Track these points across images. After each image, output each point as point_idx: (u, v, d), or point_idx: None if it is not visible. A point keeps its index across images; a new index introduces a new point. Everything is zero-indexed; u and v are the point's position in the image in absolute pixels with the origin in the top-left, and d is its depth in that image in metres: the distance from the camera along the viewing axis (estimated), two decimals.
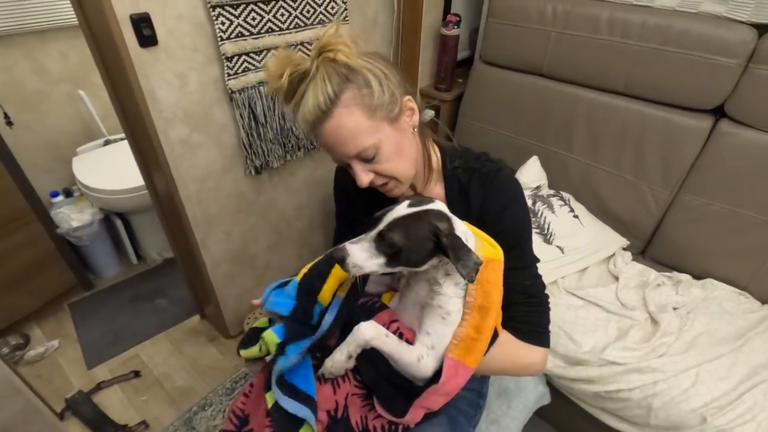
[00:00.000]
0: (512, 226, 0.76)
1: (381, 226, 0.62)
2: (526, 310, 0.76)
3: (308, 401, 0.67)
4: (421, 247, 0.62)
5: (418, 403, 0.67)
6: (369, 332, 0.66)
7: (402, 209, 0.63)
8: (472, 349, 0.66)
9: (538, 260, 0.81)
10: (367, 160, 0.71)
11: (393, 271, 0.66)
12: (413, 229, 0.61)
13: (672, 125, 1.34)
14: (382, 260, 0.62)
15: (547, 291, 0.81)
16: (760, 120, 1.21)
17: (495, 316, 0.68)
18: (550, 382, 1.20)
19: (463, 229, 0.66)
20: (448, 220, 0.64)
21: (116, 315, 1.87)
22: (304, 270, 0.76)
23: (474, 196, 0.78)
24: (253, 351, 0.74)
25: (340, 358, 0.68)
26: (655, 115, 1.37)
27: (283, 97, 0.71)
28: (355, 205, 0.91)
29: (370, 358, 0.69)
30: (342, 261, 0.62)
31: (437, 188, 0.84)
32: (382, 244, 0.61)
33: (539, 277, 0.80)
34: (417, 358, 0.66)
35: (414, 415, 0.68)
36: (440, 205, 0.65)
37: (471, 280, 0.60)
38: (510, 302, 0.73)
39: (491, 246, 0.69)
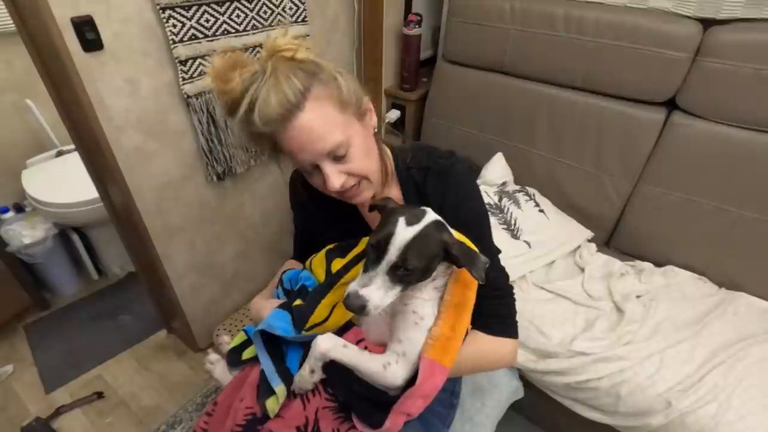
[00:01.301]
0: (472, 220, 0.76)
1: (392, 256, 0.58)
2: (492, 303, 0.76)
3: (285, 374, 0.69)
4: (434, 263, 0.62)
5: (397, 408, 0.65)
6: (325, 344, 0.65)
7: (404, 230, 0.59)
8: (448, 349, 0.65)
9: (499, 251, 0.81)
10: (339, 158, 0.66)
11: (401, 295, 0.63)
12: (426, 249, 0.59)
13: (628, 118, 1.38)
14: (398, 289, 0.60)
15: (512, 282, 0.81)
16: (709, 111, 1.26)
17: (469, 313, 0.69)
18: (523, 376, 1.21)
19: (452, 230, 0.66)
20: (446, 228, 0.64)
21: (76, 335, 1.78)
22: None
23: (432, 195, 0.77)
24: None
25: (303, 374, 0.67)
26: (612, 109, 1.40)
27: (229, 103, 0.64)
28: (315, 218, 0.88)
29: (343, 378, 0.68)
30: (361, 308, 0.58)
31: (394, 190, 0.82)
32: (397, 273, 0.59)
33: (503, 269, 0.80)
34: (383, 365, 0.65)
35: (394, 422, 0.65)
36: (433, 214, 0.64)
37: (483, 280, 0.60)
38: (476, 297, 0.72)
39: (467, 244, 0.69)
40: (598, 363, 1.11)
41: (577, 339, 1.15)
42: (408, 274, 0.59)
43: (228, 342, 0.89)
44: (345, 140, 0.65)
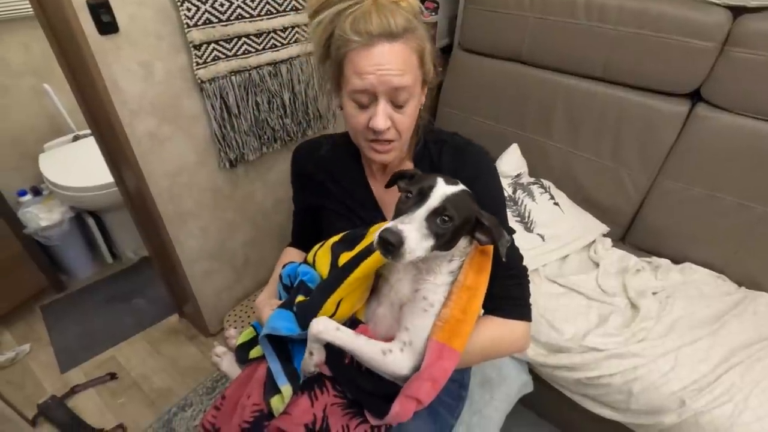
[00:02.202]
0: (486, 196, 0.72)
1: (434, 202, 0.57)
2: (505, 284, 0.74)
3: (292, 375, 0.69)
4: (467, 226, 0.62)
5: (404, 392, 0.64)
6: (317, 326, 0.65)
7: (445, 186, 0.60)
8: (458, 332, 0.64)
9: (513, 231, 0.79)
10: (396, 104, 0.68)
11: (428, 255, 0.60)
12: (463, 207, 0.59)
13: (650, 110, 1.34)
14: (431, 243, 0.57)
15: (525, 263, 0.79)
16: (736, 103, 1.22)
17: (481, 298, 0.67)
18: (533, 370, 1.20)
19: None
20: (475, 201, 0.64)
21: (91, 316, 1.81)
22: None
23: (445, 169, 0.76)
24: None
25: (305, 357, 0.68)
26: (633, 100, 1.36)
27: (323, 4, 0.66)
28: (319, 188, 0.86)
29: (347, 375, 0.68)
30: (399, 246, 0.53)
31: (407, 163, 0.82)
32: (434, 223, 0.57)
33: (517, 249, 0.78)
34: (381, 351, 0.65)
35: (403, 408, 0.64)
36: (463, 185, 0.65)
37: (505, 257, 0.61)
38: (489, 277, 0.70)
39: None
40: (611, 359, 1.09)
41: (590, 334, 1.13)
42: (443, 225, 0.57)
43: (234, 336, 0.89)
44: (410, 87, 0.67)
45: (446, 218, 0.57)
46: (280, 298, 0.85)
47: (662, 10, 1.22)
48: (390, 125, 0.69)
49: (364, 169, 0.84)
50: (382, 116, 0.67)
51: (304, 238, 0.93)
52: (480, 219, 0.62)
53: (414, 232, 0.55)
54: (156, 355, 1.66)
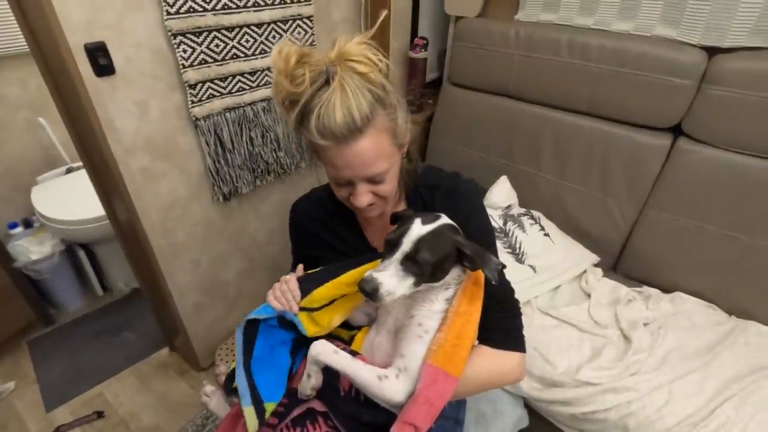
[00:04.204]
0: (478, 233, 0.76)
1: (406, 247, 0.62)
2: (498, 316, 0.75)
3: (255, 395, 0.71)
4: (447, 261, 0.64)
5: (402, 418, 0.63)
6: (315, 348, 0.67)
7: (420, 227, 0.63)
8: (453, 356, 0.65)
9: (504, 266, 0.80)
10: (375, 182, 0.70)
11: (416, 290, 0.65)
12: (438, 245, 0.63)
13: (634, 143, 1.38)
14: (411, 281, 0.62)
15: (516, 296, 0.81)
16: (715, 137, 1.26)
17: (476, 323, 0.69)
18: (528, 405, 1.18)
19: None
20: (459, 231, 0.67)
21: (79, 351, 1.77)
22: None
23: (440, 212, 0.77)
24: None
25: (302, 379, 0.69)
26: (618, 134, 1.40)
27: (288, 98, 0.64)
28: (318, 240, 0.89)
29: (347, 409, 0.69)
30: (375, 292, 0.60)
31: (400, 203, 0.84)
32: (410, 264, 0.62)
33: (508, 283, 0.80)
34: (378, 376, 0.65)
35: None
36: (446, 218, 0.67)
37: (496, 280, 0.62)
38: (482, 310, 0.72)
39: None
40: (605, 393, 1.08)
41: (584, 368, 1.12)
42: (419, 266, 0.61)
43: (224, 372, 0.88)
44: (387, 169, 0.69)
45: (419, 260, 0.61)
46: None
47: (641, 50, 1.28)
48: (370, 198, 0.71)
49: (356, 216, 0.86)
50: (362, 196, 0.70)
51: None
52: (462, 250, 0.64)
53: (389, 278, 0.61)
54: (145, 391, 1.62)
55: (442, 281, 0.67)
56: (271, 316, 0.75)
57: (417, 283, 0.63)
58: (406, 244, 0.62)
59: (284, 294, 0.74)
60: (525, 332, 0.79)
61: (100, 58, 1.01)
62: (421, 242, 0.62)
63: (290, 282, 0.76)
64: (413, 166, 0.83)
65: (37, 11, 0.96)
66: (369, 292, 0.60)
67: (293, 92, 0.63)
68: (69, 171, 1.97)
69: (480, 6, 1.59)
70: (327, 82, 0.62)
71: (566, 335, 1.22)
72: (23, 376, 1.67)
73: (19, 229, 1.84)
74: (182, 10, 1.09)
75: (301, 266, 0.85)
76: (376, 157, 0.66)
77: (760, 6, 1.11)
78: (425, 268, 0.62)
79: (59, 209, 1.73)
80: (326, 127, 0.61)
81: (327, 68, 0.62)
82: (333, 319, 0.76)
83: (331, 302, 0.76)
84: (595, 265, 1.48)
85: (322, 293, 0.74)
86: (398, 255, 0.62)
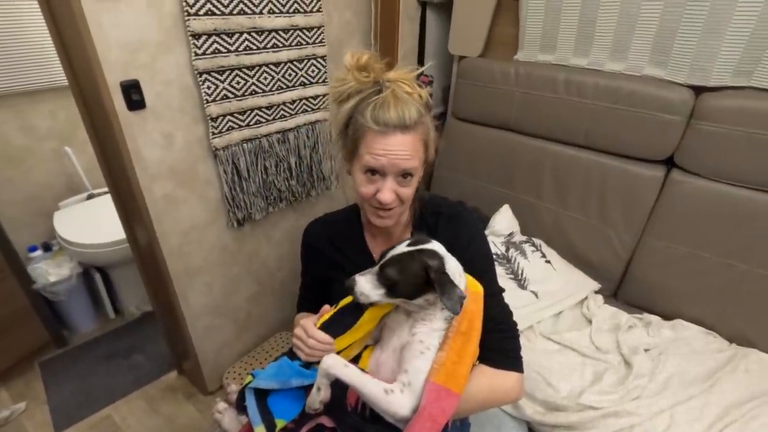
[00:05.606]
0: (478, 257, 0.83)
1: (383, 262, 0.70)
2: (496, 337, 0.80)
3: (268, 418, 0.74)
4: (414, 282, 0.69)
5: None
6: (327, 361, 0.71)
7: (401, 248, 0.71)
8: (454, 374, 0.69)
9: (503, 290, 0.87)
10: (402, 181, 0.78)
11: (394, 301, 0.73)
12: (406, 266, 0.69)
13: (630, 175, 1.44)
14: (382, 291, 0.69)
15: (515, 320, 0.86)
16: (706, 169, 1.32)
17: (476, 342, 0.73)
18: (532, 429, 1.20)
19: (455, 266, 0.73)
20: (440, 259, 0.71)
21: (89, 373, 1.80)
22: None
23: (443, 237, 0.83)
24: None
25: (312, 393, 0.73)
26: (614, 166, 1.47)
27: (348, 90, 0.78)
28: (329, 262, 0.94)
29: (354, 424, 0.72)
30: (351, 289, 0.70)
31: (407, 232, 0.91)
32: (382, 277, 0.69)
33: (506, 305, 0.86)
34: (384, 390, 0.69)
35: None
36: (436, 246, 0.73)
37: (456, 312, 0.66)
38: (482, 331, 0.76)
39: (473, 281, 0.77)
40: (607, 418, 1.10)
41: (586, 392, 1.15)
42: (387, 279, 0.68)
43: (236, 391, 0.91)
44: (415, 170, 0.79)
45: (386, 275, 0.68)
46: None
47: (633, 88, 1.36)
48: (395, 198, 0.79)
49: (365, 237, 0.93)
50: (388, 191, 0.78)
51: (312, 309, 0.99)
52: (429, 274, 0.67)
53: (365, 283, 0.70)
54: (153, 414, 1.64)
55: (420, 300, 0.71)
56: (286, 388, 0.77)
57: (388, 295, 0.69)
58: (384, 258, 0.71)
59: (314, 349, 0.76)
60: (526, 355, 0.83)
61: (133, 94, 1.11)
62: (392, 260, 0.69)
63: (317, 335, 0.76)
64: (419, 194, 0.90)
65: (80, 52, 1.07)
66: (349, 288, 0.70)
67: (359, 82, 0.77)
68: (90, 197, 2.06)
69: (482, 46, 1.70)
70: (380, 92, 0.77)
71: (568, 360, 1.25)
72: (34, 397, 1.69)
73: (38, 252, 1.91)
74: (209, 51, 1.20)
75: (326, 306, 0.84)
76: (413, 154, 0.76)
77: (740, 49, 1.20)
78: (391, 283, 0.68)
79: (80, 233, 1.80)
80: (381, 116, 0.74)
81: (381, 80, 0.77)
82: (351, 353, 0.79)
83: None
84: (596, 292, 1.51)
85: (346, 341, 0.77)
86: (377, 267, 0.71)
